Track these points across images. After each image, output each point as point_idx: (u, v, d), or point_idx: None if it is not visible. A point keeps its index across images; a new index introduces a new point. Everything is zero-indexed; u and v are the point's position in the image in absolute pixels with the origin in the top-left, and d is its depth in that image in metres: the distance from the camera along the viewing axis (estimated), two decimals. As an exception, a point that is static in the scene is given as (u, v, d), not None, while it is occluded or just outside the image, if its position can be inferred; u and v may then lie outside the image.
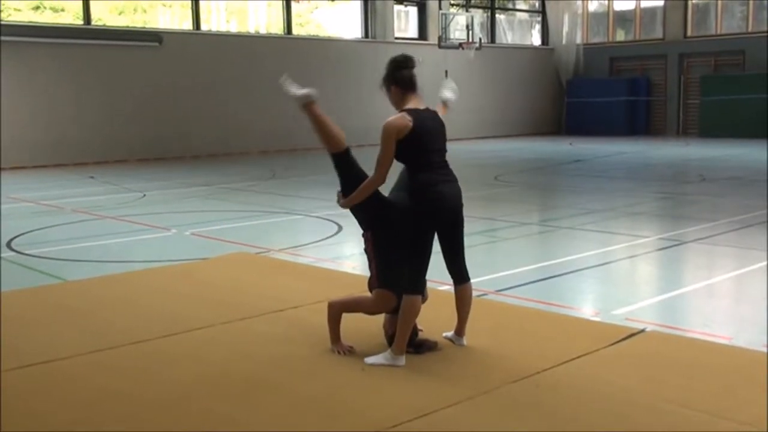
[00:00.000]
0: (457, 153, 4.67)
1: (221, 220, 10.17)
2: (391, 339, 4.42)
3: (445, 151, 4.35)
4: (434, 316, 4.99)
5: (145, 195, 12.89)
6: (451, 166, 4.38)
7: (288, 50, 22.30)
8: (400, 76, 4.25)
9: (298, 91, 4.44)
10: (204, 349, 4.61)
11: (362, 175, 4.39)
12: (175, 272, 6.79)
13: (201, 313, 5.37)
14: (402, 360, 4.27)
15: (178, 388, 3.98)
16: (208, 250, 8.05)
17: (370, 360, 4.31)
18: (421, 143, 4.17)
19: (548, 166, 17.56)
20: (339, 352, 4.45)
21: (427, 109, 4.30)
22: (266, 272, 6.71)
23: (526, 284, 6.44)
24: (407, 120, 4.13)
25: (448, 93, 4.73)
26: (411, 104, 4.25)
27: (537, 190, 13.45)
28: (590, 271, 6.94)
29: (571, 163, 18.10)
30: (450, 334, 4.66)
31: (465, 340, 4.59)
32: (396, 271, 4.32)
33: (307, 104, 4.42)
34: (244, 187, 13.84)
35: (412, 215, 4.21)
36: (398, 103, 4.25)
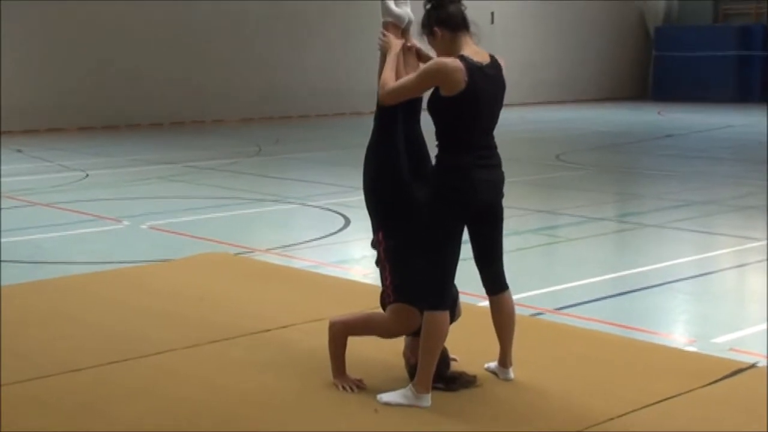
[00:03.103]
0: (507, 123, 4.62)
1: (189, 209, 10.21)
2: (414, 370, 4.41)
3: (495, 123, 4.34)
4: (473, 340, 4.97)
5: (88, 175, 12.95)
6: (497, 144, 4.37)
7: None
8: (446, 15, 4.23)
9: (395, 7, 4.52)
10: (162, 382, 4.61)
11: (392, 146, 4.45)
12: (127, 278, 6.81)
13: (159, 332, 5.38)
14: (427, 400, 4.26)
15: (128, 429, 3.99)
16: (172, 249, 8.07)
17: (385, 398, 4.30)
18: (466, 112, 4.16)
19: (628, 142, 17.48)
20: (344, 388, 4.45)
21: (490, 62, 4.26)
22: (247, 279, 6.72)
23: (595, 300, 6.42)
24: (462, 73, 4.10)
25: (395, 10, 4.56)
26: (466, 50, 4.24)
27: (613, 174, 13.39)
28: (684, 285, 6.90)
29: (659, 138, 18.01)
30: (493, 365, 4.65)
31: (512, 373, 4.58)
32: (418, 281, 4.32)
33: (387, 25, 4.50)
34: (220, 166, 13.87)
35: (434, 207, 4.21)
36: (448, 51, 4.21)
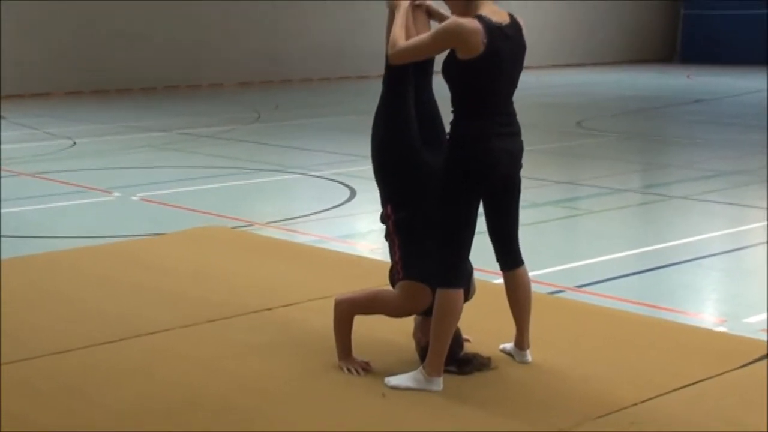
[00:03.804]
0: (523, 87, 4.59)
1: (183, 180, 10.21)
2: (425, 352, 4.41)
3: (515, 88, 4.31)
4: (488, 320, 4.98)
5: (75, 143, 12.96)
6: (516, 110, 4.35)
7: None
8: None
9: None
10: (155, 364, 4.62)
11: (402, 110, 4.44)
12: (118, 253, 6.82)
13: (153, 311, 5.39)
14: (438, 383, 4.27)
15: (119, 417, 3.99)
16: (165, 222, 8.08)
17: (393, 381, 4.31)
18: (484, 76, 4.13)
19: (654, 107, 17.42)
20: (349, 371, 4.46)
21: (510, 22, 4.22)
22: (246, 255, 6.72)
23: (619, 278, 6.42)
24: (480, 35, 4.06)
25: None
26: (484, 9, 4.20)
27: (638, 142, 13.35)
28: (713, 261, 6.89)
29: (687, 104, 17.94)
30: (508, 346, 4.65)
31: (529, 355, 4.59)
32: (430, 256, 4.32)
33: None
34: (216, 134, 13.87)
35: (447, 178, 4.19)
36: (464, 11, 4.18)
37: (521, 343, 4.59)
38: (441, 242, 4.23)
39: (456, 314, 4.25)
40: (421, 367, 4.30)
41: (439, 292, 4.23)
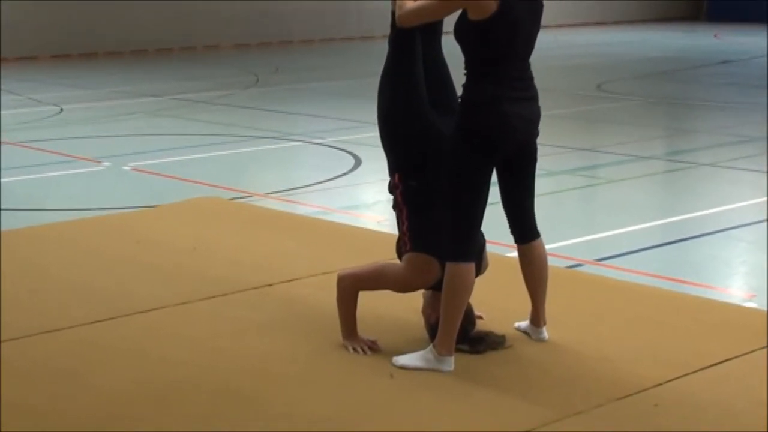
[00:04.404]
0: (539, 48, 4.55)
1: (178, 148, 10.21)
2: (434, 331, 4.41)
3: (532, 50, 4.28)
4: (502, 295, 4.98)
5: (62, 110, 12.94)
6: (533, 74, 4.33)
7: None
8: None
9: None
10: (150, 344, 4.63)
11: (409, 73, 4.42)
12: (108, 226, 6.83)
13: (146, 288, 5.40)
14: (449, 363, 4.27)
15: (111, 400, 4.01)
16: (158, 193, 8.08)
17: (401, 361, 4.32)
18: (498, 38, 4.10)
19: (679, 69, 17.34)
20: (355, 350, 4.47)
21: None
22: (245, 227, 6.73)
23: (641, 250, 6.42)
24: None
25: None
26: None
27: (662, 106, 13.30)
28: (742, 232, 6.88)
29: (715, 65, 17.86)
30: (524, 324, 4.66)
31: (546, 333, 4.59)
32: (439, 228, 4.32)
33: None
34: (212, 99, 13.84)
35: (458, 145, 4.18)
36: None
37: (537, 319, 4.59)
38: (451, 213, 4.23)
39: (467, 290, 4.25)
40: (431, 346, 4.30)
41: (449, 266, 4.22)
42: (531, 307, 4.58)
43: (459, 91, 4.32)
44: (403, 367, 4.27)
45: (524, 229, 4.50)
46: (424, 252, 4.39)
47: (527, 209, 4.49)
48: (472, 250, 4.28)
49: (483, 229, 4.44)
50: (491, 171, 4.26)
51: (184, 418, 3.86)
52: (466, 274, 4.23)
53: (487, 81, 4.17)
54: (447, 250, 4.24)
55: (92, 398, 4.05)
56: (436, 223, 4.34)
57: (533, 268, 4.53)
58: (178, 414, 3.90)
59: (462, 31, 4.16)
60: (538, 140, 4.41)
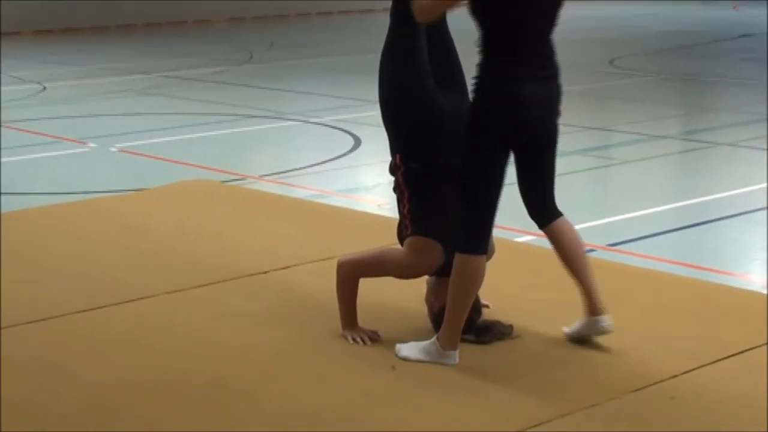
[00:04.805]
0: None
1: (167, 128, 10.20)
2: (438, 319, 4.40)
3: (554, 25, 4.23)
4: (509, 283, 4.96)
5: (45, 88, 12.94)
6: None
7: None
8: None
9: None
10: (140, 333, 4.63)
11: (412, 47, 4.39)
12: (95, 211, 6.81)
13: (135, 275, 5.39)
14: (454, 357, 4.25)
15: (99, 392, 4.01)
16: (147, 175, 8.07)
17: (404, 351, 4.30)
18: (514, 13, 4.05)
19: (697, 43, 17.31)
20: (354, 341, 4.47)
21: None
22: (239, 211, 6.72)
23: (657, 235, 6.41)
24: None
25: None
26: None
27: (678, 82, 13.28)
28: (763, 216, 6.86)
29: (734, 39, 17.82)
30: (577, 324, 4.44)
31: (608, 320, 4.33)
32: (440, 210, 4.32)
33: None
34: (203, 76, 13.82)
35: (472, 128, 4.15)
36: None
37: (594, 307, 4.34)
38: (464, 201, 4.18)
39: (477, 283, 4.21)
40: (434, 338, 4.28)
41: (459, 257, 4.18)
42: (582, 293, 4.37)
43: (471, 71, 4.26)
44: (405, 359, 4.26)
45: (545, 211, 4.41)
46: (426, 236, 4.38)
47: (547, 196, 4.40)
48: (486, 243, 4.24)
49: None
50: (507, 157, 4.17)
51: (176, 412, 3.86)
52: (476, 267, 4.19)
53: (501, 59, 4.11)
54: (458, 241, 4.19)
55: (80, 390, 4.04)
56: (440, 205, 4.34)
57: (568, 246, 4.36)
58: (170, 408, 3.90)
59: (476, 5, 4.08)
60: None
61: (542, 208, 4.43)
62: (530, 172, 4.37)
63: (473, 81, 4.17)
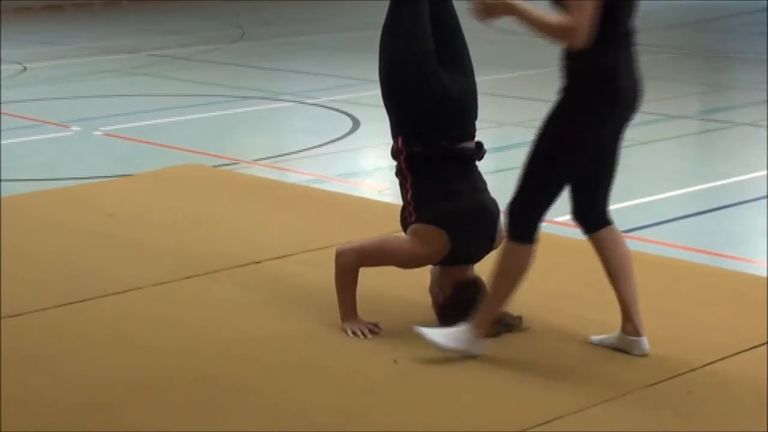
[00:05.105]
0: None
1: (155, 110, 10.19)
2: (443, 311, 4.43)
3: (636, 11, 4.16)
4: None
5: (26, 68, 12.92)
6: None
7: None
8: None
9: None
10: (127, 328, 4.63)
11: (415, 23, 4.40)
12: (78, 198, 6.82)
13: (121, 266, 5.39)
14: (484, 346, 4.24)
15: (84, 390, 4.01)
16: (133, 160, 8.07)
17: (431, 335, 4.24)
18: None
19: (715, 17, 17.26)
20: (355, 334, 4.47)
21: None
22: (231, 198, 6.73)
23: (674, 220, 6.41)
24: None
25: None
26: None
27: (695, 59, 13.25)
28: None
29: (755, 12, 17.76)
30: (608, 337, 4.39)
31: (647, 344, 4.30)
32: (446, 197, 4.34)
33: None
34: (194, 55, 13.80)
35: (563, 123, 4.08)
36: None
37: (632, 327, 4.30)
38: (528, 188, 4.14)
39: (523, 273, 4.18)
40: (468, 325, 4.24)
41: (509, 245, 4.17)
42: (621, 311, 4.32)
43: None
44: (433, 343, 4.22)
45: (594, 216, 4.36)
46: (431, 223, 4.39)
47: (601, 196, 4.36)
48: (537, 231, 4.23)
49: (496, 197, 4.43)
50: (591, 152, 4.16)
51: (165, 409, 3.87)
52: (526, 256, 4.17)
53: (603, 44, 3.98)
54: (511, 227, 4.16)
55: (65, 387, 4.05)
56: (444, 191, 4.36)
57: (611, 261, 4.32)
58: (159, 407, 3.90)
59: None
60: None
61: (591, 211, 4.36)
62: (590, 168, 4.29)
63: (566, 69, 4.06)
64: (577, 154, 4.13)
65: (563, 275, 5.10)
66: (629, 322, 4.30)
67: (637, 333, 4.29)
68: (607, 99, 4.06)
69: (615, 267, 4.31)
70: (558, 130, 4.09)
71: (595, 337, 4.41)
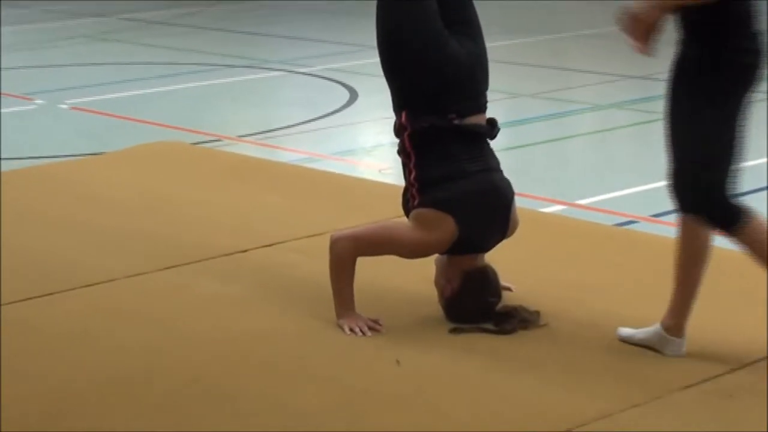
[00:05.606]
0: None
1: (128, 81, 10.20)
2: (451, 306, 4.45)
3: None
4: (534, 261, 5.00)
5: (-17, 34, 12.91)
6: None
7: None
8: None
9: None
10: (99, 323, 4.63)
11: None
12: (44, 179, 6.84)
13: (92, 255, 5.41)
14: (680, 345, 4.21)
15: (52, 392, 4.00)
16: (104, 137, 8.09)
17: (626, 332, 4.26)
18: None
19: None
20: (352, 330, 4.47)
21: None
22: (213, 179, 6.74)
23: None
24: None
25: None
26: None
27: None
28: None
29: None
30: (642, 331, 4.36)
31: (684, 347, 4.30)
32: (452, 178, 4.36)
33: None
34: (171, 19, 13.79)
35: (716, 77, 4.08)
36: None
37: (675, 325, 4.29)
38: (694, 156, 4.14)
39: (708, 249, 4.19)
40: (660, 324, 4.22)
41: (685, 219, 4.15)
42: (670, 306, 4.30)
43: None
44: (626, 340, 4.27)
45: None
46: (436, 208, 4.39)
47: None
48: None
49: (511, 177, 4.41)
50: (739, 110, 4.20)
51: (138, 414, 3.86)
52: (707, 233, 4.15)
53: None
54: (680, 198, 4.11)
55: (28, 390, 4.04)
56: (453, 171, 4.37)
57: (688, 251, 4.26)
58: (132, 409, 3.89)
59: None
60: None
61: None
62: None
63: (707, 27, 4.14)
64: (732, 107, 4.19)
65: (584, 264, 5.08)
66: (674, 319, 4.27)
67: (678, 333, 4.26)
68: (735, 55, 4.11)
69: (691, 252, 4.25)
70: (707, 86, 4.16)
71: (624, 330, 4.38)
